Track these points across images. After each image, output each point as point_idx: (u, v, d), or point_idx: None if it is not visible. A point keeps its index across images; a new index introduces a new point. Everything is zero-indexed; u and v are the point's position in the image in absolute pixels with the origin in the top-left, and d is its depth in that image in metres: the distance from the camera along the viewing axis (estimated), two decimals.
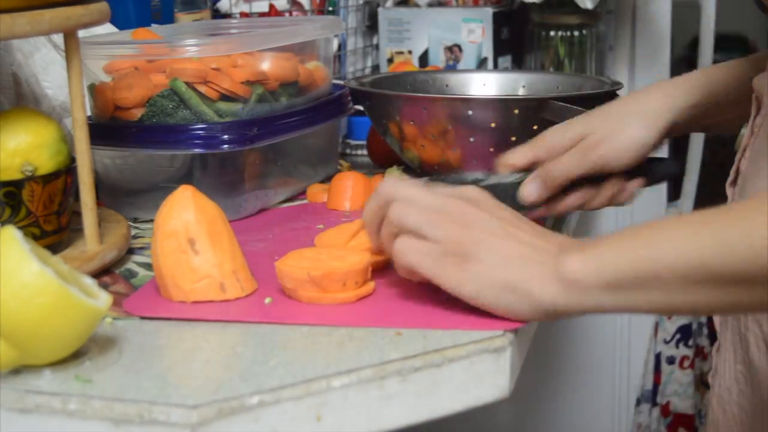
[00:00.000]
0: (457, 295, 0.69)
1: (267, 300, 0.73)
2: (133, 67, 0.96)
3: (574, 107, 0.96)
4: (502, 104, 0.99)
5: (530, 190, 0.89)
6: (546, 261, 0.67)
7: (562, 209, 0.92)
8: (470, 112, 0.98)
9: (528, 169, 0.90)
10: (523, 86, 1.18)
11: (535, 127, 0.98)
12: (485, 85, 1.19)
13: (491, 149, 1.00)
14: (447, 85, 1.19)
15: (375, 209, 0.73)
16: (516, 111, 0.97)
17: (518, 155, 0.91)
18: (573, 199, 0.91)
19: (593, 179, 0.90)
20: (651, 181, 0.94)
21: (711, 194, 0.87)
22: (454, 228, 0.69)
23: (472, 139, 0.99)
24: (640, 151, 0.90)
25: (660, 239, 0.64)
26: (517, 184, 0.89)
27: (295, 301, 0.73)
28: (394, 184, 0.72)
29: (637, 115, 0.90)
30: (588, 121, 0.91)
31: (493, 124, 0.98)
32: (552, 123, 0.96)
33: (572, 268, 0.65)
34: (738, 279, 0.62)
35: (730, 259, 0.62)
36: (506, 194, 0.89)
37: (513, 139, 0.99)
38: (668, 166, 0.96)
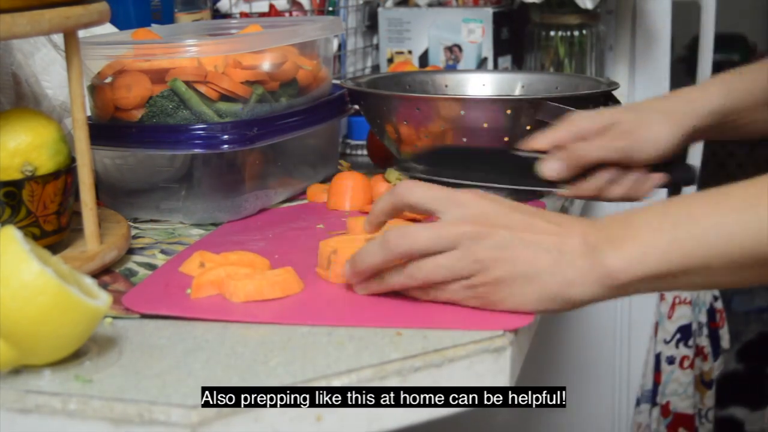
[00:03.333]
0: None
1: None
2: (133, 67, 0.96)
3: (569, 108, 0.96)
4: (495, 104, 0.98)
5: (550, 166, 0.92)
6: (578, 262, 0.66)
7: (580, 193, 0.94)
8: (462, 112, 0.98)
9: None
10: (522, 86, 1.18)
11: (528, 128, 0.98)
12: (484, 85, 1.18)
13: (485, 150, 1.00)
14: (446, 86, 1.19)
15: (380, 260, 0.71)
16: (509, 111, 0.97)
17: (541, 138, 0.94)
18: (591, 184, 0.93)
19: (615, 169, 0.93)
20: (669, 181, 0.96)
21: None
22: (477, 262, 0.67)
23: (465, 140, 0.99)
24: (662, 148, 0.92)
25: (706, 227, 0.64)
26: (535, 159, 0.92)
27: (294, 301, 0.74)
28: (402, 238, 0.69)
29: (663, 114, 0.93)
30: (616, 112, 0.93)
31: (485, 125, 0.97)
32: (546, 124, 0.96)
33: (615, 267, 0.65)
34: None
35: None
36: (524, 169, 0.91)
37: (506, 139, 0.98)
38: (687, 171, 0.98)
